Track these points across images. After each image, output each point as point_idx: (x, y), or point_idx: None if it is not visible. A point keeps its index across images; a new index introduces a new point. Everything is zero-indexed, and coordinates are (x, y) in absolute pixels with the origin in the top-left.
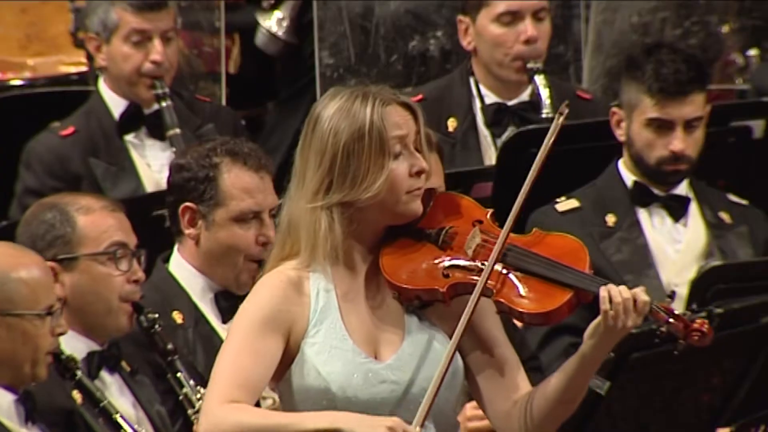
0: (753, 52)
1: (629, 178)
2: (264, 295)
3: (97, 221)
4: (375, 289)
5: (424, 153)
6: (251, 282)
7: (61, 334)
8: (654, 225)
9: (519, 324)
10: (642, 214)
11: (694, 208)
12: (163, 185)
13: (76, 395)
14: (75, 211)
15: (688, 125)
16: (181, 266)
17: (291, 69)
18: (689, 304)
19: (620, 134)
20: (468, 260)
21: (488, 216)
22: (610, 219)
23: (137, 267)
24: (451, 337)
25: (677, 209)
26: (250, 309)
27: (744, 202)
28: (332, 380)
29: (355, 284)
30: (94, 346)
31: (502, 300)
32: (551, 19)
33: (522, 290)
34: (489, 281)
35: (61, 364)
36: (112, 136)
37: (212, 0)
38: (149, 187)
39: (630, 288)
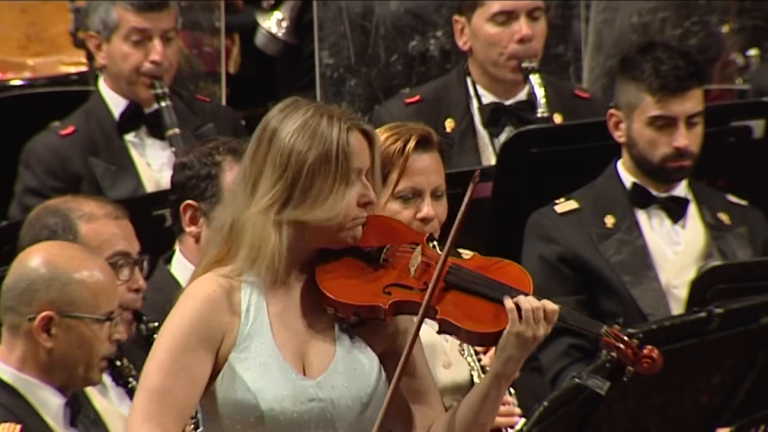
0: (753, 52)
1: (628, 179)
2: (194, 305)
3: (99, 230)
4: (307, 306)
5: (375, 183)
6: None
7: (119, 341)
8: (653, 226)
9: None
10: (641, 215)
11: (693, 209)
12: (163, 185)
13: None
14: (78, 218)
15: (690, 121)
16: (182, 266)
17: (291, 69)
18: (689, 304)
19: (619, 136)
20: (410, 279)
21: (425, 239)
22: (609, 220)
23: (138, 275)
24: (379, 355)
25: (676, 211)
26: (178, 320)
27: (743, 202)
28: (261, 396)
29: (288, 300)
30: None
31: (446, 319)
32: (547, 19)
33: (466, 310)
34: (432, 301)
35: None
36: (112, 135)
37: (212, 0)
38: (149, 186)
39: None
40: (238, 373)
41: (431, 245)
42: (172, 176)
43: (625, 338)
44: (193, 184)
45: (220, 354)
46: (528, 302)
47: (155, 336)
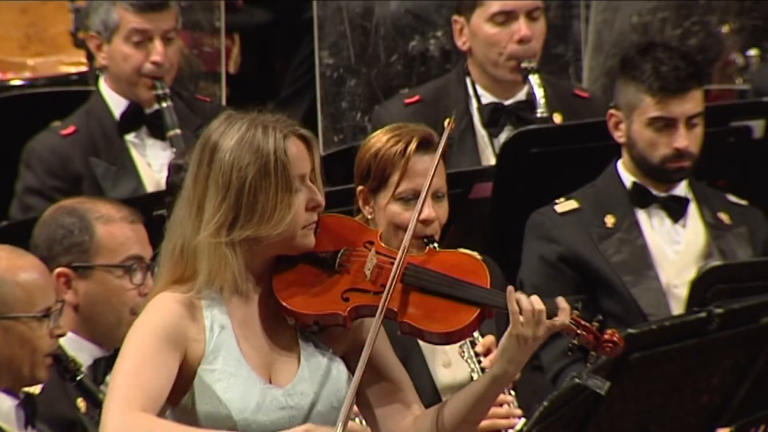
0: (753, 52)
1: (628, 179)
2: (161, 312)
3: (115, 232)
4: (268, 314)
5: (318, 184)
6: None
7: (61, 335)
8: (653, 226)
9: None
10: (641, 215)
11: (693, 208)
12: (164, 185)
13: (81, 404)
14: (95, 220)
15: (690, 122)
16: None
17: (291, 69)
18: (689, 304)
19: (619, 136)
20: (367, 282)
21: (378, 237)
22: (609, 220)
23: (150, 280)
24: (342, 357)
25: (676, 210)
26: (146, 324)
27: (743, 202)
28: (232, 408)
29: (249, 311)
30: (101, 353)
31: (406, 321)
32: (546, 19)
33: (426, 310)
34: (391, 303)
35: (62, 365)
36: (113, 135)
37: (212, 0)
38: (149, 186)
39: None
40: (208, 385)
41: (430, 247)
42: (167, 177)
43: (585, 323)
44: None
45: (187, 362)
46: (530, 303)
47: None
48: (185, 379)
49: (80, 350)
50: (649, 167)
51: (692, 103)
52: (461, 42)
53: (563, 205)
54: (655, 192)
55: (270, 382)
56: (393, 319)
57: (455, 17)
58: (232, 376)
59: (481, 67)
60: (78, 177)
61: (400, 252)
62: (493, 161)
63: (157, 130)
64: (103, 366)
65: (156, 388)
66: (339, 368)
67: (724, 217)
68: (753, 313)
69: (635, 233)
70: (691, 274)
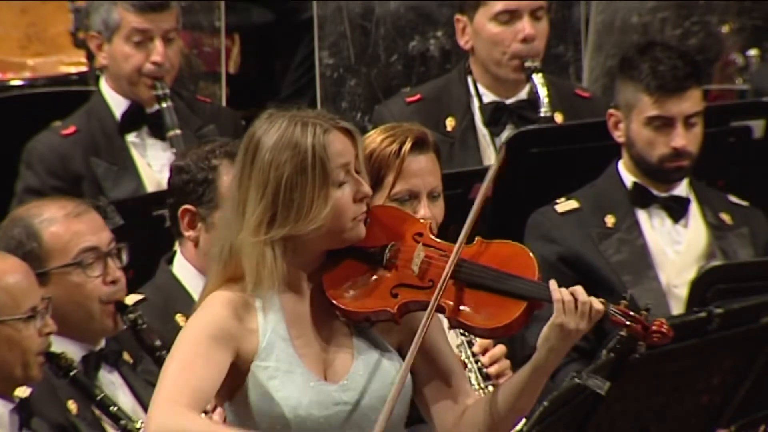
0: (753, 52)
1: (629, 179)
2: (211, 311)
3: (60, 232)
4: (321, 311)
5: (364, 175)
6: None
7: (50, 333)
8: (654, 226)
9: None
10: (641, 215)
11: (694, 208)
12: (164, 185)
13: (72, 406)
14: (39, 224)
15: (688, 121)
16: (183, 267)
17: (291, 69)
18: (689, 304)
19: (619, 136)
20: (415, 278)
21: (428, 228)
22: (610, 220)
23: (112, 267)
24: (398, 349)
25: (677, 210)
26: (199, 322)
27: (744, 203)
28: (285, 405)
29: (301, 308)
30: (87, 348)
31: (455, 316)
32: (549, 18)
33: (474, 305)
34: (440, 298)
35: (54, 363)
36: (114, 135)
37: (212, 0)
38: (150, 186)
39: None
40: (262, 382)
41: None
42: (169, 178)
43: (633, 314)
44: (191, 189)
45: (240, 360)
46: (576, 295)
47: (139, 324)
48: (239, 375)
49: (68, 349)
50: (648, 167)
51: (690, 102)
52: (464, 41)
53: (563, 205)
54: (655, 192)
55: (325, 378)
56: (442, 313)
57: (458, 16)
58: (285, 373)
59: (483, 66)
60: (78, 177)
61: (455, 250)
62: (494, 160)
63: (158, 130)
64: (94, 360)
65: (203, 386)
66: (392, 361)
67: (725, 217)
68: (753, 313)
69: (635, 233)
70: (692, 274)
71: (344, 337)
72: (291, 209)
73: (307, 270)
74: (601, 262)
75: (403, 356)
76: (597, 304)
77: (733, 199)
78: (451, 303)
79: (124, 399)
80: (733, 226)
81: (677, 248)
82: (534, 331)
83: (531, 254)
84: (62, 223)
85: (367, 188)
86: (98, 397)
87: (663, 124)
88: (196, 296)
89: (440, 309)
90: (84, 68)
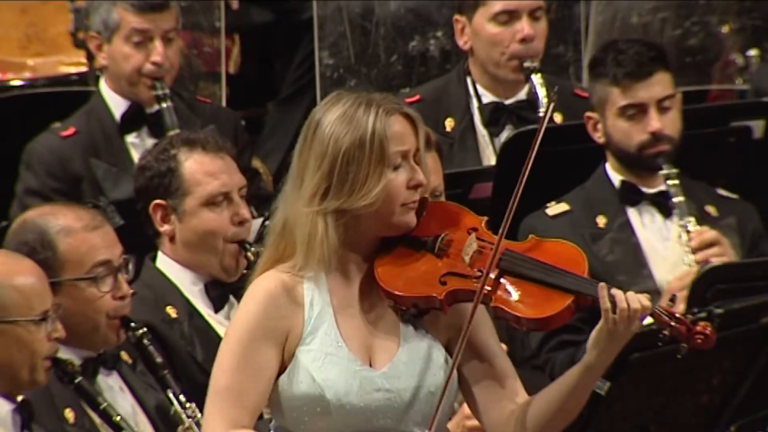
0: (753, 52)
1: (616, 178)
2: (258, 303)
3: (77, 244)
4: (370, 297)
5: (423, 166)
6: (236, 265)
7: (59, 338)
8: (644, 223)
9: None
10: (632, 213)
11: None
12: None
13: (69, 414)
14: (55, 234)
15: (661, 105)
16: (167, 263)
17: (291, 69)
18: (689, 304)
19: (598, 137)
20: (465, 267)
21: (483, 224)
22: (601, 220)
23: (122, 283)
24: (445, 345)
25: (666, 205)
26: (244, 318)
27: (734, 196)
28: (327, 387)
29: (350, 292)
30: (87, 354)
31: (500, 306)
32: (548, 19)
33: (520, 296)
34: (487, 288)
35: (60, 369)
36: (113, 136)
37: (212, 0)
38: None
39: (625, 290)
40: (305, 365)
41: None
42: (135, 183)
43: (678, 315)
44: (156, 183)
45: (286, 349)
46: (624, 298)
47: (144, 342)
48: (284, 358)
49: (62, 355)
50: (630, 159)
51: (660, 86)
52: (463, 41)
53: (554, 209)
54: (644, 189)
55: (368, 364)
56: (487, 304)
57: (457, 17)
58: (328, 356)
59: (482, 67)
60: (78, 178)
61: (499, 236)
62: (493, 161)
63: (158, 131)
64: (92, 365)
65: (254, 395)
66: (438, 353)
67: (711, 209)
68: (753, 313)
69: (627, 232)
70: (683, 268)
71: (391, 325)
72: (345, 182)
73: (359, 253)
74: (595, 262)
75: (450, 355)
76: (645, 301)
77: (722, 192)
78: (498, 292)
79: (123, 402)
80: (718, 218)
81: (667, 244)
82: (536, 336)
83: (581, 252)
84: (79, 235)
85: (422, 177)
86: (101, 407)
87: (636, 112)
88: (182, 288)
89: (487, 298)
90: (84, 68)
